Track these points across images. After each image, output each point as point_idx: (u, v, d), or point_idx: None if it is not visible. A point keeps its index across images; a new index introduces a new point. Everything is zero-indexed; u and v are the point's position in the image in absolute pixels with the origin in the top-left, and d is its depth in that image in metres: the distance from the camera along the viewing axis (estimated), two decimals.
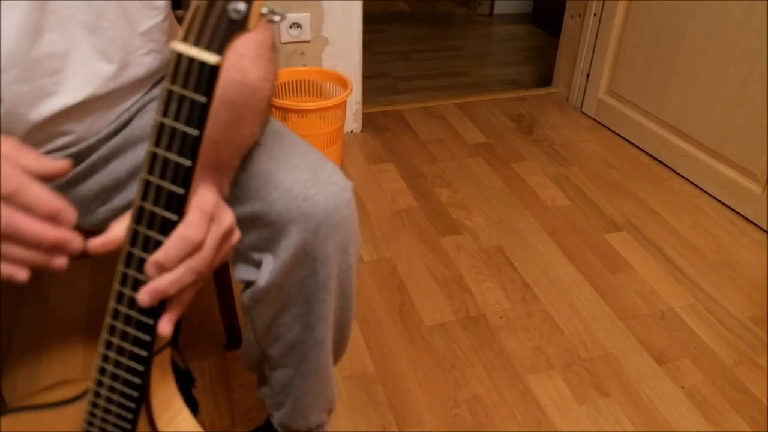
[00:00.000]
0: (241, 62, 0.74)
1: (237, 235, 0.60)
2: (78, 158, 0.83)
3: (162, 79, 0.93)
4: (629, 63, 2.09)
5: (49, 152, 0.80)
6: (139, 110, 0.86)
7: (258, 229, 0.75)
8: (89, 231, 0.93)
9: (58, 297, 1.44)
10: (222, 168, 0.67)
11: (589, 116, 2.31)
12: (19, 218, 0.50)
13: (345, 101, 1.82)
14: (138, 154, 0.84)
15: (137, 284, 0.55)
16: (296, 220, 0.72)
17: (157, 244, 0.53)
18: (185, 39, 0.47)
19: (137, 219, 0.53)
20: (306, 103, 1.84)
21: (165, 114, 0.49)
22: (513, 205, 1.80)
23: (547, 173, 1.95)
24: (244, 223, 0.76)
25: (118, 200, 0.86)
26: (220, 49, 0.46)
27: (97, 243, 0.55)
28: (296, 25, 1.87)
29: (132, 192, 0.85)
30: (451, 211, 1.77)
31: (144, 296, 0.54)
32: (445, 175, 1.93)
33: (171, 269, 0.54)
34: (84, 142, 0.82)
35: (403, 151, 2.06)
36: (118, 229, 0.55)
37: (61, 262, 0.52)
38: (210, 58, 0.46)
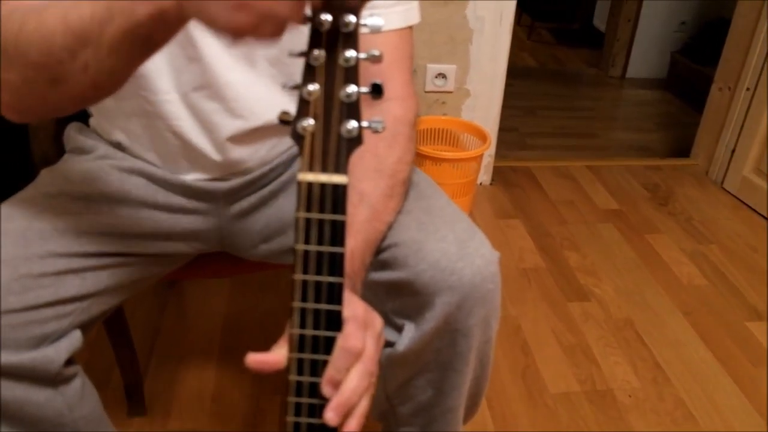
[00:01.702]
0: (376, 146, 0.74)
1: (384, 337, 0.60)
2: (253, 187, 0.88)
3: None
4: None
5: (231, 175, 0.86)
6: None
7: (402, 297, 0.76)
8: (251, 262, 0.99)
9: (196, 313, 1.52)
10: (356, 273, 0.67)
11: (730, 193, 2.19)
12: None
13: (482, 154, 1.83)
14: None
15: (313, 410, 0.55)
16: (442, 292, 0.71)
17: (324, 365, 0.54)
18: (311, 168, 0.49)
19: (300, 347, 0.54)
20: (446, 152, 1.87)
21: (307, 241, 0.50)
22: (645, 278, 1.73)
23: (683, 249, 1.87)
24: (390, 288, 0.77)
25: (277, 243, 0.90)
26: (345, 168, 0.49)
27: (256, 359, 0.55)
28: (441, 75, 1.92)
29: (290, 239, 0.88)
30: (579, 276, 1.72)
31: (331, 414, 0.53)
32: (574, 238, 1.89)
33: (343, 381, 0.54)
34: (258, 170, 0.87)
35: (532, 208, 2.04)
36: (279, 354, 0.56)
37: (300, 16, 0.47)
38: (340, 179, 0.49)
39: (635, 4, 3.33)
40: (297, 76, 0.83)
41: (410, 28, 0.82)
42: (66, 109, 0.64)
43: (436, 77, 1.92)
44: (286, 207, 0.88)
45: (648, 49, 3.46)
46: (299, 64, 0.81)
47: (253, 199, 0.88)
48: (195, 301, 1.55)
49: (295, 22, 0.47)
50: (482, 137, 1.89)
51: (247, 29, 0.46)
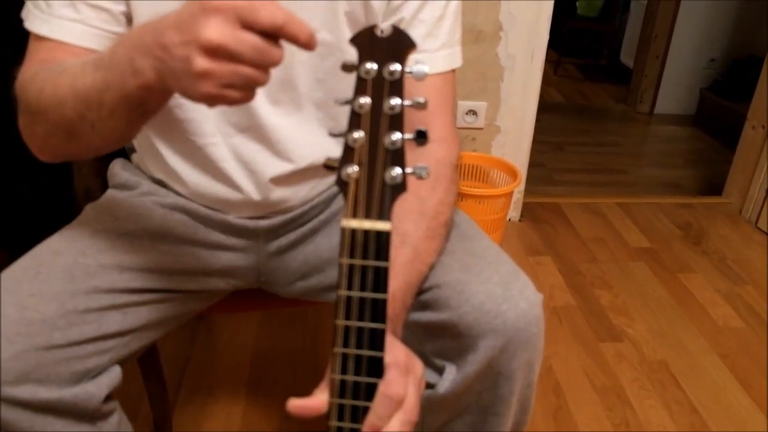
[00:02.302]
0: (418, 188, 0.74)
1: (424, 381, 0.60)
2: (292, 225, 0.89)
3: None
4: None
5: (272, 214, 0.87)
6: None
7: (444, 338, 0.75)
8: (284, 298, 0.99)
9: (225, 345, 1.52)
10: (397, 316, 0.67)
11: (765, 232, 2.15)
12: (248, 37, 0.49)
13: (512, 190, 1.83)
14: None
15: None
16: (485, 335, 0.71)
17: (365, 411, 0.54)
18: (354, 215, 0.49)
19: (341, 392, 0.54)
20: (476, 189, 1.87)
21: (350, 287, 0.50)
22: (679, 318, 1.70)
23: (717, 289, 1.83)
24: (431, 329, 0.76)
25: (315, 281, 0.90)
26: (388, 215, 0.49)
27: (297, 405, 0.55)
28: (472, 112, 1.93)
29: (328, 276, 0.89)
30: (611, 315, 1.69)
31: None
32: (605, 276, 1.86)
33: (383, 428, 0.54)
34: (299, 209, 0.87)
35: (562, 245, 2.02)
36: (320, 399, 0.56)
37: (266, 77, 0.53)
38: (384, 226, 0.49)
39: (664, 41, 3.34)
40: (343, 119, 0.84)
41: (453, 71, 0.83)
42: (88, 155, 0.70)
43: (467, 114, 1.93)
44: (324, 245, 0.88)
45: (677, 85, 3.46)
46: (345, 107, 0.83)
47: (292, 236, 0.89)
48: (224, 334, 1.56)
49: (261, 83, 0.52)
50: (512, 174, 1.89)
51: (215, 96, 0.51)
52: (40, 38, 0.69)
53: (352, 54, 0.82)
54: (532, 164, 2.72)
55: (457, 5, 0.82)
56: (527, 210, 2.20)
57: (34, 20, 0.70)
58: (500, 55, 1.85)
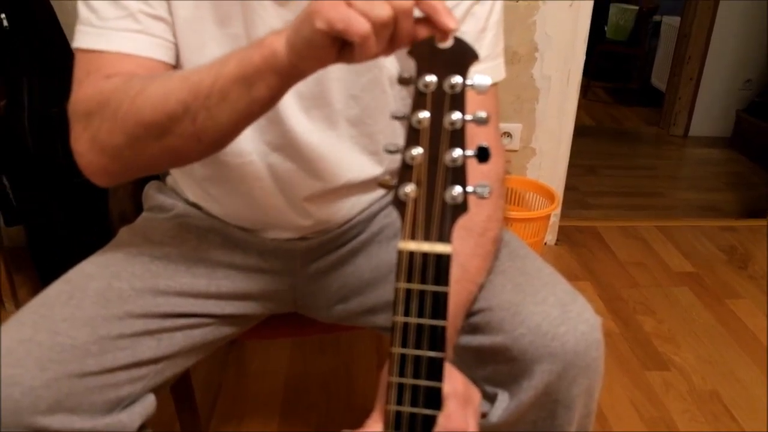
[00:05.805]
0: None
1: (480, 410, 0.59)
2: (331, 246, 0.86)
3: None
4: None
5: (309, 234, 0.84)
6: (384, 206, 0.88)
7: (496, 363, 0.71)
8: (323, 324, 0.95)
9: (257, 371, 1.49)
10: (447, 340, 0.65)
11: None
12: None
13: (550, 214, 1.78)
14: (383, 253, 0.85)
15: None
16: (542, 360, 0.67)
17: None
18: (412, 237, 0.47)
19: (396, 425, 0.51)
20: (513, 212, 1.83)
21: (407, 314, 0.48)
22: (729, 346, 1.62)
23: None
24: (481, 354, 0.73)
25: (355, 304, 0.87)
26: (448, 236, 0.47)
27: None
28: (507, 134, 1.89)
29: (370, 299, 0.85)
30: (656, 343, 1.62)
31: None
32: (648, 302, 1.79)
33: None
34: (338, 229, 0.84)
35: (601, 270, 1.95)
36: (375, 430, 0.55)
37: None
38: (444, 249, 0.47)
39: (698, 63, 3.28)
40: (379, 137, 0.81)
41: (496, 84, 0.81)
42: (159, 166, 0.67)
43: (502, 136, 1.90)
44: (365, 266, 0.85)
45: (712, 107, 3.39)
46: (381, 124, 0.80)
47: (331, 258, 0.85)
48: (256, 360, 1.52)
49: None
50: (549, 196, 1.84)
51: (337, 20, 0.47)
52: (99, 54, 0.65)
53: (391, 71, 0.79)
54: (565, 187, 2.67)
55: (499, 17, 0.80)
56: (563, 234, 2.14)
57: (88, 37, 0.66)
58: (535, 77, 1.81)
